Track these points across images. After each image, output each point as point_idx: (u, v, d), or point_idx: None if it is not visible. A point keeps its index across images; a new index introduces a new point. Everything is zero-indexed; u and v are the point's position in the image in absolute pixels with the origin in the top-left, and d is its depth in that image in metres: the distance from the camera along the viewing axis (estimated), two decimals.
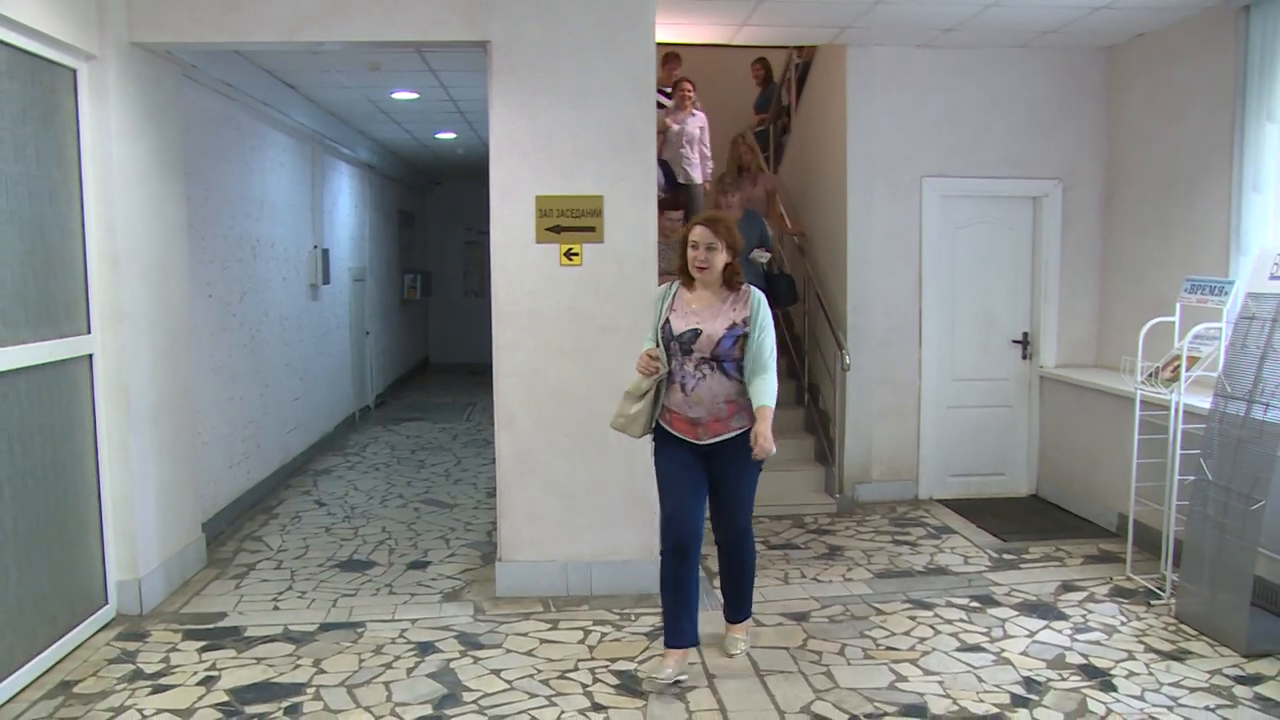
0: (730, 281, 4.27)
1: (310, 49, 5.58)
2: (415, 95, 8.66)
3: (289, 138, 8.67)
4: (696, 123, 8.32)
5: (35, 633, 4.36)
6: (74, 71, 4.74)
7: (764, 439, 4.06)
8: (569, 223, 5.27)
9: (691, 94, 8.37)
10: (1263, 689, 4.17)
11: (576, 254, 5.29)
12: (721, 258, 4.19)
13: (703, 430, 4.21)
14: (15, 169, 4.23)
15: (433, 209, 16.92)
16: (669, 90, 8.59)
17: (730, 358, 4.18)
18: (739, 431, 4.19)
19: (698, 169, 8.35)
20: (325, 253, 9.68)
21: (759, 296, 4.26)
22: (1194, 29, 6.18)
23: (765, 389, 4.18)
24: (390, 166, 13.03)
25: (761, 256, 7.24)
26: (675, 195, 7.72)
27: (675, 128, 8.18)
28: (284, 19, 5.12)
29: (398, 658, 4.56)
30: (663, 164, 7.86)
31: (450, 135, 11.24)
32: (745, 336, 4.17)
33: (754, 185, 8.04)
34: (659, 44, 5.51)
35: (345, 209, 11.01)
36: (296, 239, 8.92)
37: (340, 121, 9.91)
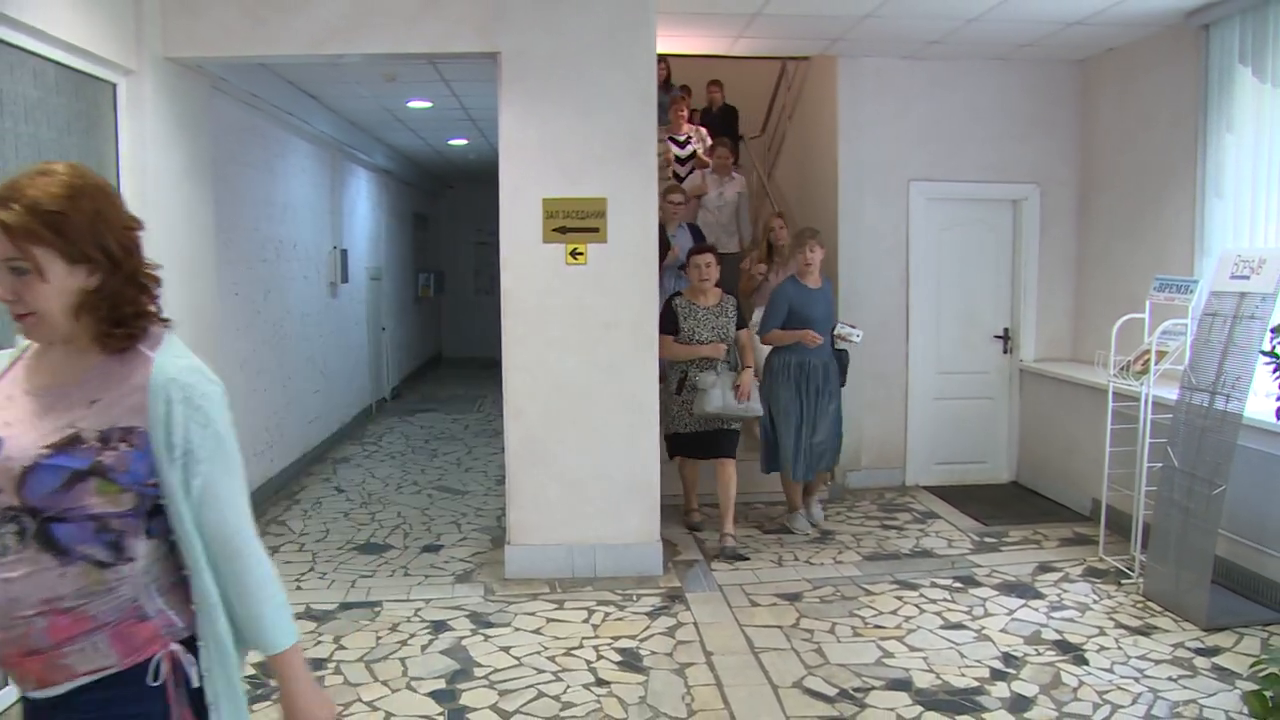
0: (105, 335, 1.78)
1: (332, 61, 5.70)
2: (429, 104, 8.81)
3: (310, 145, 8.84)
4: (735, 188, 7.79)
5: None
6: (114, 86, 4.92)
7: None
8: (574, 224, 5.40)
9: (730, 159, 7.81)
10: (1220, 660, 4.37)
11: (581, 253, 5.42)
12: (49, 290, 1.72)
13: (16, 671, 1.78)
14: None
15: (445, 211, 17.08)
16: (682, 140, 8.24)
17: (74, 514, 1.72)
18: (97, 676, 1.75)
19: (736, 238, 7.85)
20: (344, 253, 9.86)
21: (179, 377, 1.77)
22: (1159, 45, 6.35)
23: (262, 611, 1.86)
24: (405, 171, 13.20)
25: (854, 335, 6.43)
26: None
27: (712, 193, 7.72)
28: (308, 33, 5.26)
29: (413, 635, 4.69)
30: (691, 228, 7.36)
31: (462, 141, 11.38)
32: (99, 475, 1.72)
33: (785, 268, 6.78)
34: (664, 57, 5.49)
35: (363, 212, 11.19)
36: (317, 240, 9.08)
37: (358, 129, 10.05)
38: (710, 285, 6.07)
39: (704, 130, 8.50)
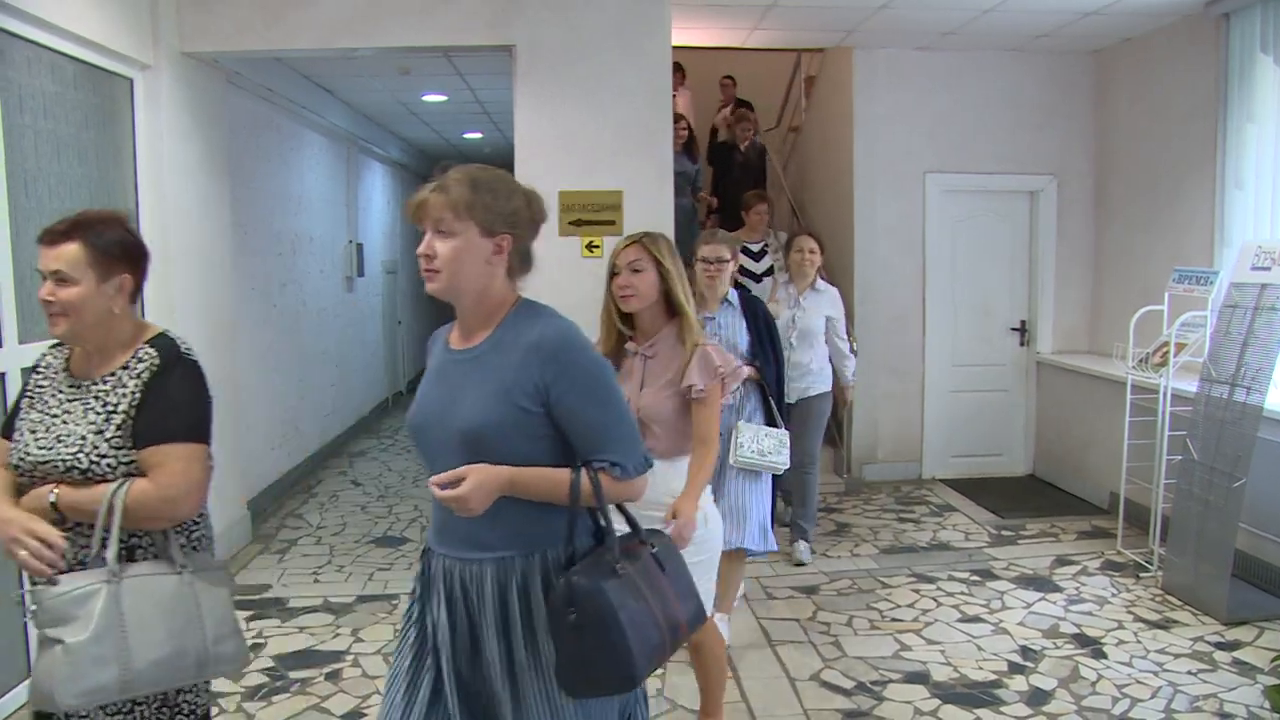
0: None
1: (346, 55, 5.72)
2: (444, 97, 8.83)
3: (325, 138, 8.87)
4: (824, 307, 5.50)
5: None
6: (131, 81, 4.98)
7: None
8: (590, 216, 5.43)
9: (818, 257, 5.47)
10: (1240, 654, 4.33)
11: (598, 246, 5.44)
12: None
13: None
14: (79, 171, 4.49)
15: None
16: (756, 249, 6.56)
17: None
18: None
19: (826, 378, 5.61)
20: (360, 247, 9.91)
21: None
22: (1178, 34, 6.29)
23: None
24: (420, 165, 13.18)
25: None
26: None
27: (784, 314, 5.36)
28: (322, 27, 5.31)
29: None
30: (743, 300, 4.54)
31: (477, 135, 11.40)
32: None
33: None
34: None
35: (378, 205, 11.23)
36: (333, 234, 9.12)
37: (373, 123, 10.10)
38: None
39: (781, 234, 6.77)
